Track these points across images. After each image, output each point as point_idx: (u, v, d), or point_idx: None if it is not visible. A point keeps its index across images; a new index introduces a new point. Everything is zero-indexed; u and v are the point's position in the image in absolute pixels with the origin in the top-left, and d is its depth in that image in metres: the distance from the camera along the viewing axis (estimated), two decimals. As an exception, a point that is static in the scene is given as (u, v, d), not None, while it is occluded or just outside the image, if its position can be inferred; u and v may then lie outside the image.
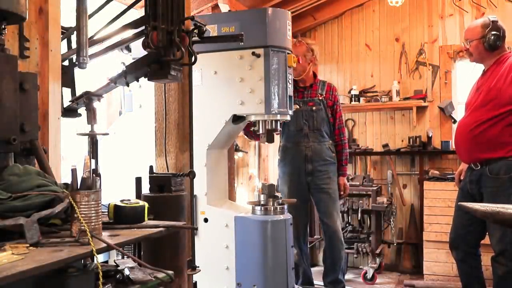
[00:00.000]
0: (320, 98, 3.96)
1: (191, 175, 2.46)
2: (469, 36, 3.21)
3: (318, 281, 4.28)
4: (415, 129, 5.27)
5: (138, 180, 2.24)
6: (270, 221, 2.89)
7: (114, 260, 1.78)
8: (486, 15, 4.93)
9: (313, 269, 4.13)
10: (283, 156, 4.06)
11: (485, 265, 3.31)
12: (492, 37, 3.10)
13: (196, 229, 3.03)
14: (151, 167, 2.35)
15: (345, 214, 4.93)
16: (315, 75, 4.12)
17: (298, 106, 3.91)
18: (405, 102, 5.23)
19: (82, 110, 2.28)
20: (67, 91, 2.27)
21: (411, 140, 5.21)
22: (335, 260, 3.92)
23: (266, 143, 3.13)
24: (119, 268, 1.55)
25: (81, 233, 1.27)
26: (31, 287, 1.25)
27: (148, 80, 2.15)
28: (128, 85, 2.21)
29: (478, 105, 3.16)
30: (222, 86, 2.99)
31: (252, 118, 3.00)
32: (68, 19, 2.18)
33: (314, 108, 3.95)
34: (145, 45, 2.02)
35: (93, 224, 1.33)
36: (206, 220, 3.08)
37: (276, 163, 5.74)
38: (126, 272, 1.52)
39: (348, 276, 4.85)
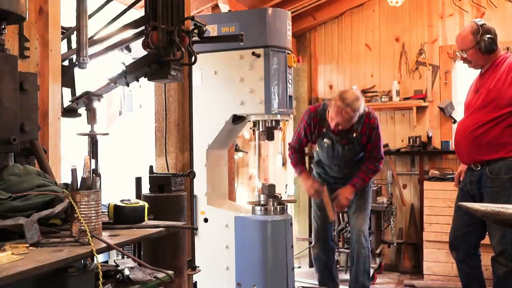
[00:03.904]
0: (355, 135, 3.53)
1: (191, 175, 2.47)
2: (463, 46, 3.20)
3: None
4: (415, 129, 5.27)
5: (138, 180, 2.24)
6: (270, 221, 2.89)
7: (114, 260, 1.78)
8: (486, 15, 4.95)
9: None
10: (315, 160, 3.87)
11: (485, 265, 3.30)
12: (488, 40, 3.09)
13: (196, 229, 3.03)
14: (151, 167, 2.35)
15: (344, 214, 4.93)
16: None
17: (329, 141, 3.57)
18: (405, 102, 5.23)
19: (82, 110, 2.28)
20: (67, 91, 2.27)
21: (411, 140, 5.21)
22: (354, 261, 3.81)
23: (266, 141, 3.13)
24: (119, 268, 1.56)
25: (81, 233, 1.27)
26: (31, 287, 1.25)
27: (148, 80, 2.15)
28: (128, 85, 2.21)
29: (478, 106, 3.15)
30: (222, 86, 2.99)
31: (252, 118, 3.00)
32: (68, 19, 2.17)
33: (346, 147, 3.57)
34: (145, 45, 2.02)
35: (93, 224, 1.33)
36: (206, 220, 3.08)
37: (276, 163, 5.75)
38: (126, 272, 1.53)
39: (347, 276, 4.84)
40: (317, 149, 3.74)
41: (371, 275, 4.68)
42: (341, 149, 3.57)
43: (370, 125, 3.53)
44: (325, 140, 3.59)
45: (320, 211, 3.76)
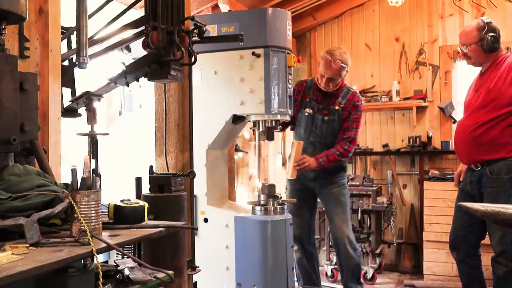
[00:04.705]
0: (337, 108, 3.58)
1: (191, 175, 2.47)
2: (466, 40, 3.20)
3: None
4: (415, 129, 5.27)
5: (138, 180, 2.24)
6: (270, 221, 2.88)
7: (114, 260, 1.78)
8: (486, 15, 4.94)
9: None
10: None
11: (485, 265, 3.31)
12: (490, 39, 3.10)
13: (196, 229, 3.03)
14: (151, 167, 2.35)
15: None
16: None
17: (310, 111, 3.61)
18: (405, 102, 5.23)
19: (82, 110, 2.28)
20: (67, 91, 2.27)
21: (411, 140, 5.22)
22: (343, 267, 3.75)
23: (266, 141, 3.12)
24: (119, 268, 1.56)
25: (81, 233, 1.27)
26: (31, 287, 1.25)
27: (148, 80, 2.15)
28: (128, 85, 2.21)
29: (478, 106, 3.15)
30: (222, 86, 2.99)
31: (252, 118, 3.00)
32: (68, 19, 2.17)
33: (326, 118, 3.59)
34: (145, 45, 2.02)
35: (93, 224, 1.33)
36: (206, 220, 3.08)
37: (276, 163, 5.76)
38: (126, 272, 1.53)
39: (348, 276, 4.85)
40: (296, 128, 3.74)
41: (371, 276, 4.70)
42: (320, 121, 3.61)
43: (353, 102, 3.62)
44: (306, 109, 3.65)
45: (296, 209, 3.69)
